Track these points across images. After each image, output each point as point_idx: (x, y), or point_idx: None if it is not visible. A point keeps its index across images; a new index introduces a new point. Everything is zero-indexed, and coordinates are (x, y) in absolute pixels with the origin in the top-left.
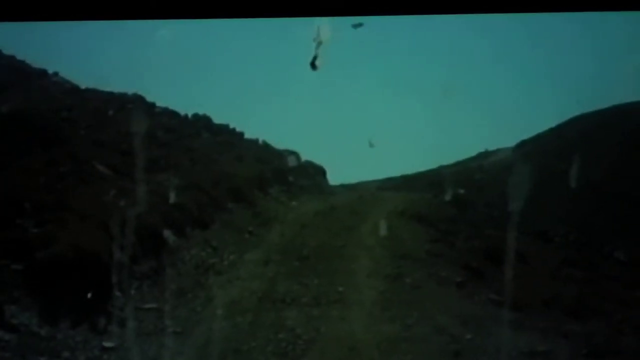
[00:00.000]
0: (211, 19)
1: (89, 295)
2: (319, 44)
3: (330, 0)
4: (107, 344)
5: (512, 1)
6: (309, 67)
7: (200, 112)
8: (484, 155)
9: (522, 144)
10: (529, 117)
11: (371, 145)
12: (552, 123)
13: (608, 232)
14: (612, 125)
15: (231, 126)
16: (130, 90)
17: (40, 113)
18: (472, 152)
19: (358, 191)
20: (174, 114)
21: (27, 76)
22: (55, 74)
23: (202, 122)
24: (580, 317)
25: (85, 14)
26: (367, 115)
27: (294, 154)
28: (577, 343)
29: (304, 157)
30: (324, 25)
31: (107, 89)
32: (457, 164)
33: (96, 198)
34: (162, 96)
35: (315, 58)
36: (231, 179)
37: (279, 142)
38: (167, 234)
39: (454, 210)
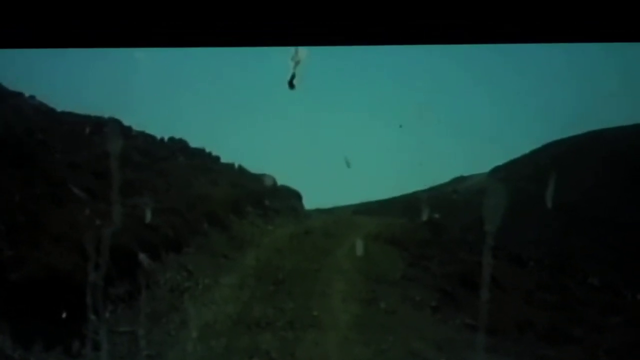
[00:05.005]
0: (188, 47)
1: (64, 315)
2: (297, 63)
3: (308, 31)
4: None
5: (489, 33)
6: (285, 90)
7: (177, 135)
8: (459, 180)
9: (496, 170)
10: (504, 144)
11: (348, 164)
12: (526, 149)
13: (582, 257)
14: (586, 151)
15: (207, 150)
16: (106, 113)
17: (14, 134)
18: (447, 178)
19: (333, 215)
20: (150, 137)
21: (1, 97)
22: (32, 97)
23: (178, 146)
24: (554, 342)
25: (64, 42)
26: (343, 139)
27: (270, 177)
28: None
29: (280, 181)
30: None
31: (83, 111)
32: (432, 189)
33: (71, 220)
34: (138, 119)
35: (293, 77)
36: (206, 203)
37: (255, 166)
38: (142, 257)
39: (428, 234)
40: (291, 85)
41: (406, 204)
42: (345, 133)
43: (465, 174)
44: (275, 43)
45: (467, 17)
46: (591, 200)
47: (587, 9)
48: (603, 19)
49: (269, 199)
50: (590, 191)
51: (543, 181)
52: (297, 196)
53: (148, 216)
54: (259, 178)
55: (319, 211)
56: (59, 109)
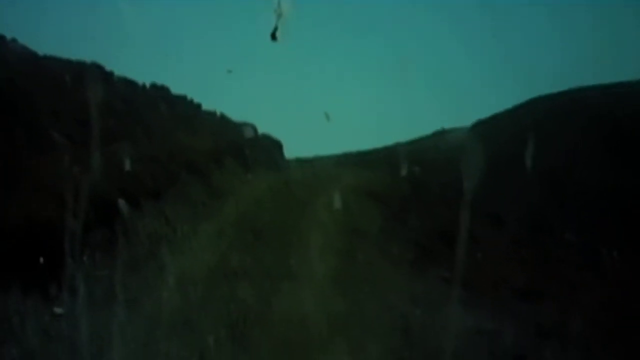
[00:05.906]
0: None
1: (41, 260)
2: (279, 15)
3: None
4: (57, 310)
5: None
6: (268, 39)
7: (159, 82)
8: (440, 133)
9: (479, 124)
10: (487, 97)
11: (327, 118)
12: (508, 104)
13: (560, 216)
14: (569, 110)
15: (189, 98)
16: (88, 58)
17: None
18: (429, 130)
19: (314, 166)
20: (131, 84)
21: None
22: (14, 40)
23: (160, 93)
24: (529, 298)
25: None
26: (324, 89)
27: (251, 126)
28: (525, 323)
29: (261, 129)
30: None
31: (65, 56)
32: (414, 141)
33: (51, 167)
34: (121, 65)
35: (275, 29)
36: (186, 151)
37: (236, 115)
38: (121, 203)
39: (408, 188)
40: (274, 37)
41: (387, 157)
42: (327, 82)
43: (447, 126)
44: None
45: None
46: (572, 160)
47: None
48: None
49: (250, 149)
50: (572, 151)
51: (524, 140)
52: (277, 146)
53: (127, 164)
54: (240, 126)
55: (300, 161)
56: (40, 52)
